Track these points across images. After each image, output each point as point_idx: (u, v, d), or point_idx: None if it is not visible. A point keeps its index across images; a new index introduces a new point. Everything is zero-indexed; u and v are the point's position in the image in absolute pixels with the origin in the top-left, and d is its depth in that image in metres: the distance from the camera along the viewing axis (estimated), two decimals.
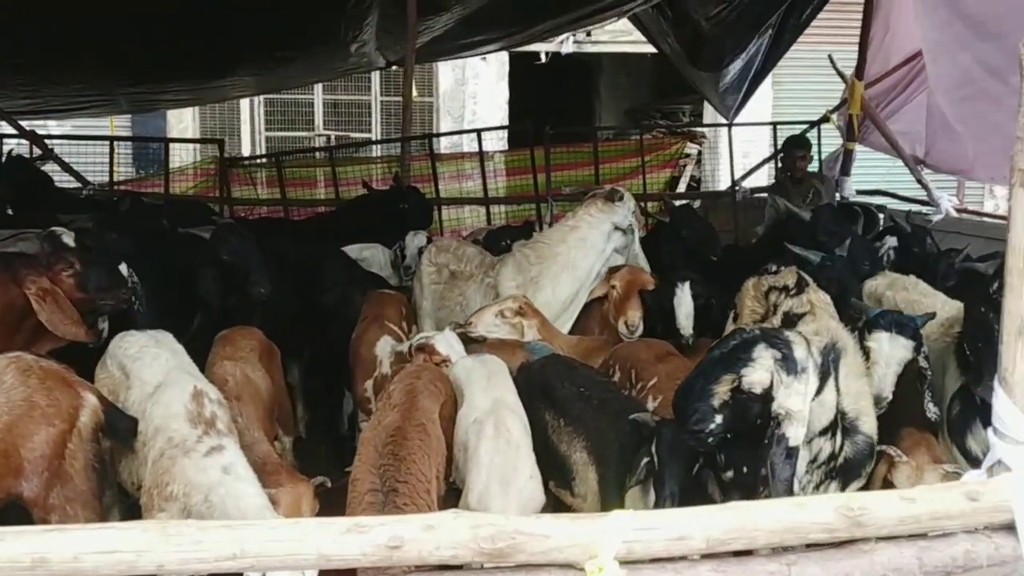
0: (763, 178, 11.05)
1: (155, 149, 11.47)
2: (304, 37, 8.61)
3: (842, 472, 3.27)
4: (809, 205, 7.39)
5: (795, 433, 2.75)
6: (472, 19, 8.80)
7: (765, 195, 9.84)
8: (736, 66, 9.79)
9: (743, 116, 10.51)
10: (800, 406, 2.80)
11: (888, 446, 3.43)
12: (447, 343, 4.54)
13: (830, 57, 9.18)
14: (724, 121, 10.52)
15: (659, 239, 5.78)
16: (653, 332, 5.00)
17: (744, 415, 2.84)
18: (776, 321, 3.84)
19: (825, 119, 9.45)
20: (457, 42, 9.83)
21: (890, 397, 3.57)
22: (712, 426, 2.87)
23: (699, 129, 14.05)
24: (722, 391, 2.85)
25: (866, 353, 3.53)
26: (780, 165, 8.09)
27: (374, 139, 13.04)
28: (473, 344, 4.73)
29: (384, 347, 5.04)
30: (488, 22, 9.14)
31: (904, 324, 3.63)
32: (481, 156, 9.60)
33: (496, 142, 12.75)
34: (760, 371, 2.83)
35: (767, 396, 2.82)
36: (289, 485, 3.37)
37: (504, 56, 14.08)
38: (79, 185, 8.41)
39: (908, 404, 3.68)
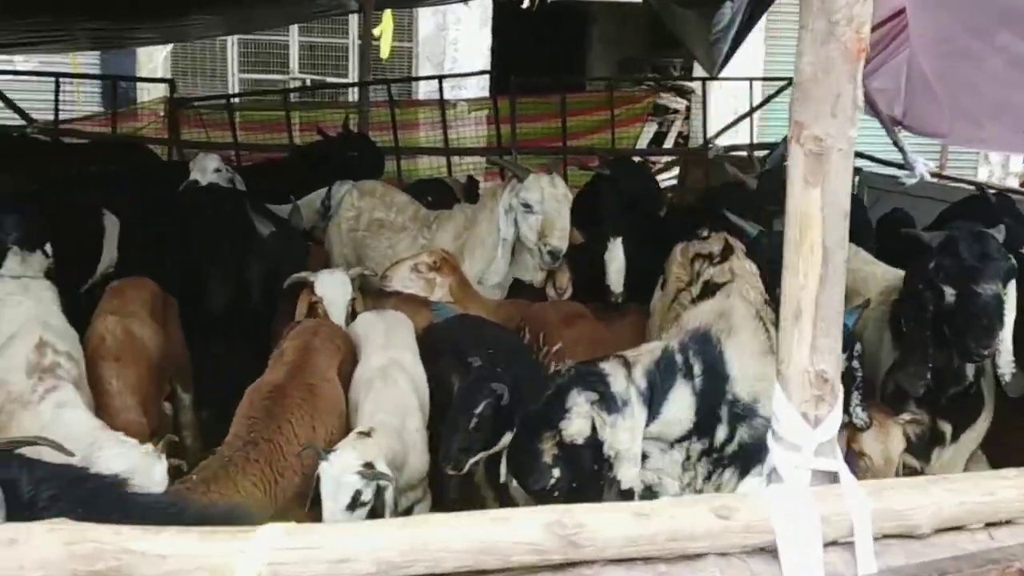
0: (745, 135, 10.70)
1: (125, 88, 11.15)
2: None
3: (738, 459, 3.07)
4: None
5: (627, 474, 2.66)
6: None
7: (743, 153, 9.56)
8: (725, 12, 9.39)
9: (729, 72, 10.11)
10: (629, 443, 2.68)
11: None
12: (326, 284, 4.27)
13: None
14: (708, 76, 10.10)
15: (597, 192, 5.47)
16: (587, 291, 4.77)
17: (580, 463, 2.73)
18: (696, 290, 3.61)
19: None
20: None
21: None
22: (552, 481, 2.76)
23: (687, 84, 13.62)
24: (548, 447, 2.73)
25: None
26: None
27: (341, 84, 12.62)
28: (383, 298, 4.50)
29: None
30: None
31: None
32: (442, 104, 9.26)
33: (479, 91, 12.36)
34: (578, 420, 2.72)
35: (594, 441, 2.69)
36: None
37: (488, 1, 13.62)
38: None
39: None
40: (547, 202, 4.74)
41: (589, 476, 2.75)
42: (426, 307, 4.42)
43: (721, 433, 3.01)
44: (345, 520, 3.05)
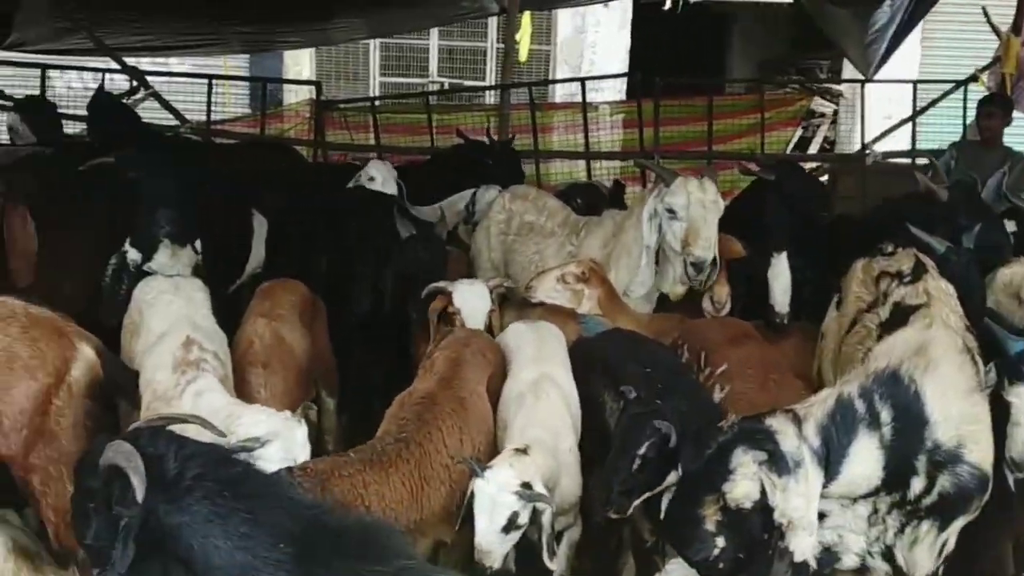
0: (904, 142, 10.08)
1: (271, 90, 11.47)
2: None
3: (938, 511, 2.77)
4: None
5: (802, 545, 2.38)
6: None
7: (904, 160, 8.98)
8: (884, 12, 8.87)
9: (883, 74, 9.54)
10: (803, 510, 2.40)
11: None
12: (465, 295, 4.08)
13: (984, 10, 8.24)
14: (860, 78, 9.56)
15: (760, 199, 5.10)
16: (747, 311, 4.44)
17: (747, 531, 2.45)
18: (885, 313, 3.27)
19: (973, 78, 8.48)
20: None
21: None
22: (715, 551, 2.51)
23: (835, 87, 12.97)
24: (711, 513, 2.47)
25: (1006, 405, 2.87)
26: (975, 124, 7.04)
27: (481, 87, 12.59)
28: (527, 309, 4.31)
29: None
30: None
31: None
32: (584, 107, 9.05)
33: (616, 93, 12.12)
34: (743, 483, 2.46)
35: (764, 506, 2.41)
36: None
37: (628, 3, 13.34)
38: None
39: None
40: (693, 208, 4.43)
41: (757, 546, 2.48)
42: (574, 320, 4.21)
43: (917, 484, 2.70)
44: (498, 542, 2.87)
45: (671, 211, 4.47)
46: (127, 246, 3.83)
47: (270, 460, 2.82)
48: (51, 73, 9.85)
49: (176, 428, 2.56)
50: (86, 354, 2.99)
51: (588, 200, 5.62)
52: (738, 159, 7.22)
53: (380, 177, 5.48)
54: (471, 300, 4.08)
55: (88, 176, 4.19)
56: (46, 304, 3.17)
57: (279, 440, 2.87)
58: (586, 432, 3.54)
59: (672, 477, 2.78)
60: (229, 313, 4.17)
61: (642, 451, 2.81)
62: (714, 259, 4.40)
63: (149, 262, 3.80)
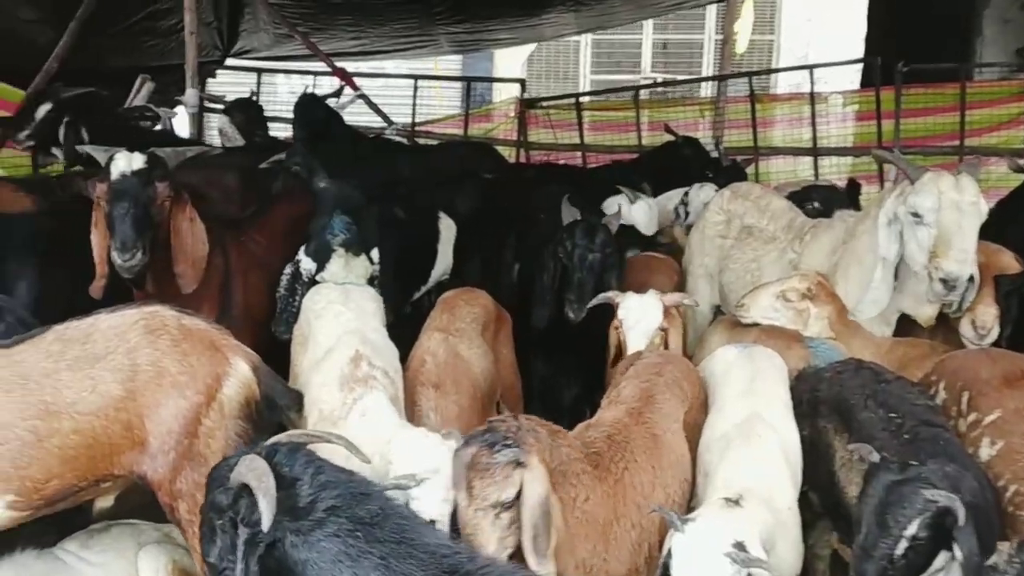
0: None
1: (482, 90, 11.40)
2: None
3: None
4: None
5: None
6: None
7: None
8: None
9: None
10: None
11: None
12: (631, 307, 3.56)
13: None
14: None
15: None
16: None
17: None
18: None
19: None
20: None
21: None
22: None
23: None
24: None
25: None
26: None
27: (695, 79, 11.92)
28: (741, 330, 3.71)
29: None
30: None
31: None
32: (812, 98, 8.21)
33: (847, 83, 11.11)
34: None
35: None
36: None
37: None
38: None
39: None
40: (944, 211, 3.66)
41: None
42: (799, 345, 3.55)
43: None
44: None
45: (916, 215, 3.71)
46: (301, 255, 3.61)
47: (428, 500, 2.46)
48: (277, 79, 10.23)
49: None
50: (240, 370, 2.72)
51: (825, 203, 4.88)
52: (1000, 154, 6.22)
53: (644, 221, 5.06)
54: (635, 313, 3.55)
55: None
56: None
57: (440, 476, 2.49)
58: (808, 486, 2.92)
59: (940, 560, 2.15)
60: (412, 323, 3.88)
61: (911, 531, 2.22)
62: (971, 276, 3.62)
63: (322, 272, 3.56)
